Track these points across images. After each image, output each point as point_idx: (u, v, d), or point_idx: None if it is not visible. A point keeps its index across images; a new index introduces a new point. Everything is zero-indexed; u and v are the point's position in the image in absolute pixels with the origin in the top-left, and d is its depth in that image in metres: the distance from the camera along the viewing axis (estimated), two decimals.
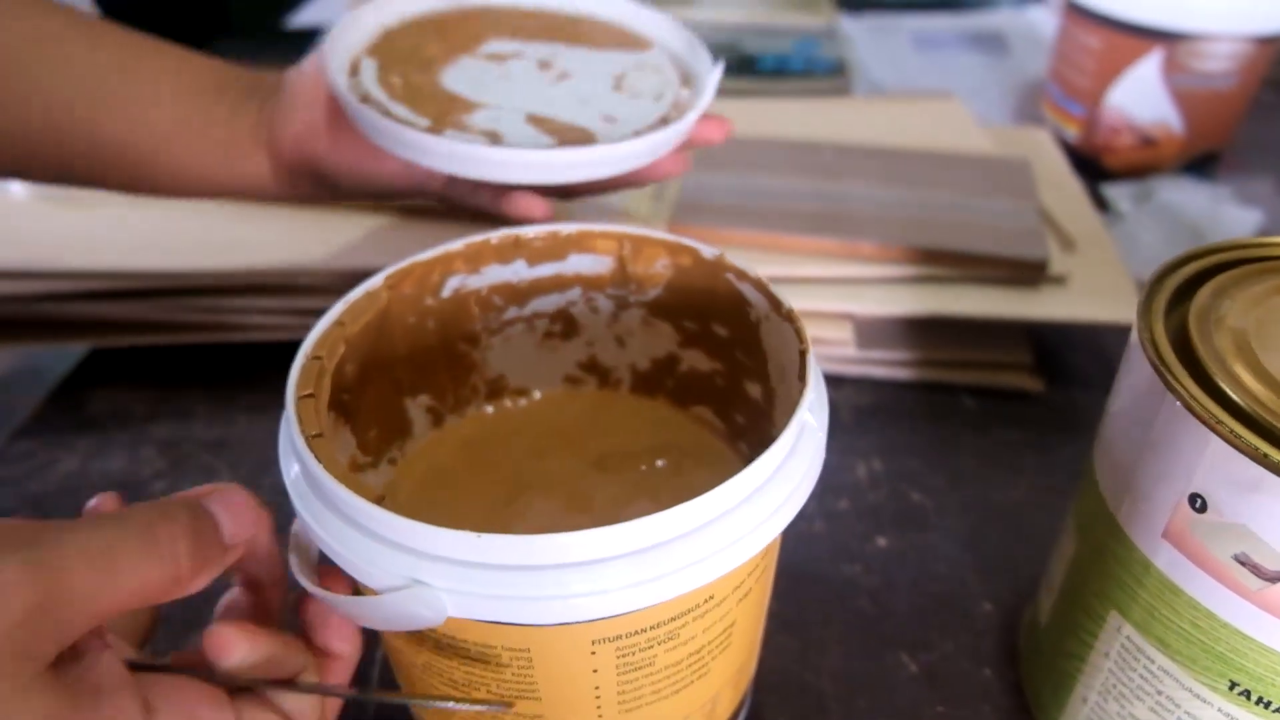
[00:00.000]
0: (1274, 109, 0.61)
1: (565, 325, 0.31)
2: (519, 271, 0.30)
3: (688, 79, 0.38)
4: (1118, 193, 0.53)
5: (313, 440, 0.22)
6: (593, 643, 0.21)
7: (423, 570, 0.20)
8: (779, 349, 0.27)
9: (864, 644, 0.32)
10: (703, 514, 0.20)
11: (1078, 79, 0.55)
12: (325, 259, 0.42)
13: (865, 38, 0.71)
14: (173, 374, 0.44)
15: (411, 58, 0.37)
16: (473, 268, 0.29)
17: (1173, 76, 0.51)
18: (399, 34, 0.38)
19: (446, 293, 0.28)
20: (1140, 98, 0.52)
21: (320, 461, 0.21)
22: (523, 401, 0.32)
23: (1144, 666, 0.25)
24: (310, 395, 0.23)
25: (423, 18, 0.39)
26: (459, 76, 0.37)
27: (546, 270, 0.30)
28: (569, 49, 0.38)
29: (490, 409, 0.32)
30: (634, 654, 0.22)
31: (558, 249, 0.30)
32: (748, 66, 0.63)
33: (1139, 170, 0.55)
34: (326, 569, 0.22)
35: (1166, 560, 0.23)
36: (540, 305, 0.30)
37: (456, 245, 0.28)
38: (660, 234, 0.29)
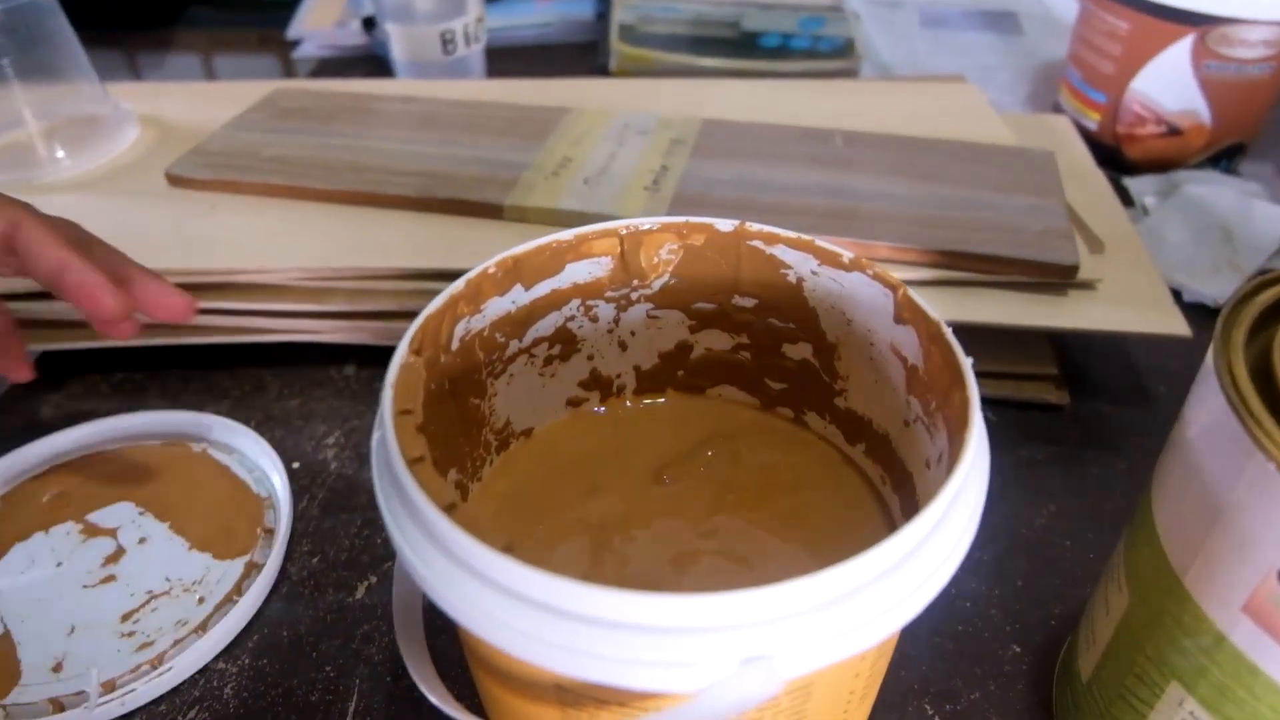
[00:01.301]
0: None
1: (564, 344, 0.29)
2: (516, 299, 0.27)
3: None
4: (1141, 186, 0.50)
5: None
6: (863, 659, 0.21)
7: (751, 641, 0.17)
8: (836, 302, 0.27)
9: (882, 693, 0.30)
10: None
11: (1101, 64, 0.52)
12: (292, 257, 0.39)
13: (872, 15, 0.67)
14: (130, 378, 0.41)
15: None
16: (475, 307, 0.26)
17: (1203, 63, 0.48)
18: None
19: (455, 344, 0.26)
20: (1168, 85, 0.49)
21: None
22: (530, 440, 0.30)
23: None
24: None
25: None
26: None
27: (543, 289, 0.27)
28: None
29: (500, 459, 0.29)
30: (881, 659, 0.23)
31: (555, 261, 0.27)
32: (750, 45, 0.59)
33: (1161, 163, 0.52)
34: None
35: (1245, 636, 0.20)
36: (538, 330, 0.28)
37: (459, 286, 0.25)
38: (664, 219, 0.27)
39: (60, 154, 0.44)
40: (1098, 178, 0.46)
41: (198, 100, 0.51)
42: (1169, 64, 0.48)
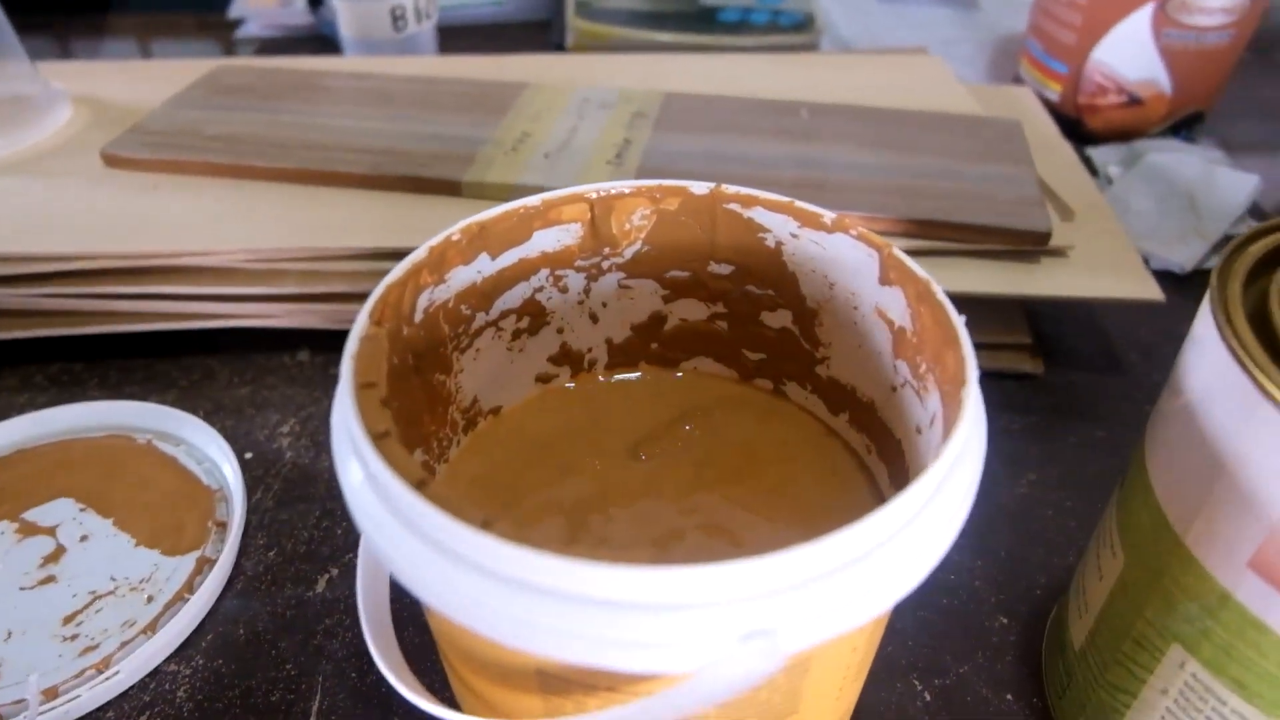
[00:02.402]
0: (1253, 68, 0.59)
1: (533, 317, 0.27)
2: (482, 269, 0.25)
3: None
4: (1104, 156, 0.50)
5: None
6: (860, 631, 0.20)
7: (750, 615, 0.16)
8: (818, 266, 0.26)
9: (871, 671, 0.29)
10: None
11: (1061, 34, 0.51)
12: (239, 238, 0.37)
13: None
14: (68, 369, 0.39)
15: None
16: (439, 277, 0.24)
17: (1163, 32, 0.48)
18: None
19: (419, 315, 0.24)
20: (1128, 55, 0.49)
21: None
22: (499, 419, 0.28)
23: (1213, 710, 0.22)
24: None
25: None
26: None
27: (510, 259, 0.26)
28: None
29: (468, 439, 0.27)
30: (876, 631, 0.22)
31: (522, 228, 0.26)
32: (708, 19, 0.58)
33: (1122, 133, 0.52)
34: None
35: (1251, 592, 0.20)
36: (506, 302, 0.26)
37: (421, 254, 0.24)
38: (637, 182, 0.26)
39: None
40: (1063, 147, 0.45)
41: (134, 80, 0.48)
42: (1129, 33, 0.48)
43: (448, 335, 0.26)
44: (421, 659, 0.28)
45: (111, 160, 0.41)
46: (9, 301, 0.36)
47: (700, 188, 0.26)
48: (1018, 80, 0.57)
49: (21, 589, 0.30)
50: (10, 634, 0.28)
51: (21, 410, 0.35)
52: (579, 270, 0.27)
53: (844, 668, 0.21)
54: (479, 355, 0.27)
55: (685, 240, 0.27)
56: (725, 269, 0.28)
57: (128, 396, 0.37)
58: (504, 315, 0.27)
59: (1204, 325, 0.21)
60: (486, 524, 0.17)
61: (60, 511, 0.32)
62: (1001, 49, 0.62)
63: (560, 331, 0.28)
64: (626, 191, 0.26)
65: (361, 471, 0.19)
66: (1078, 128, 0.53)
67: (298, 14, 0.63)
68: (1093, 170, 0.50)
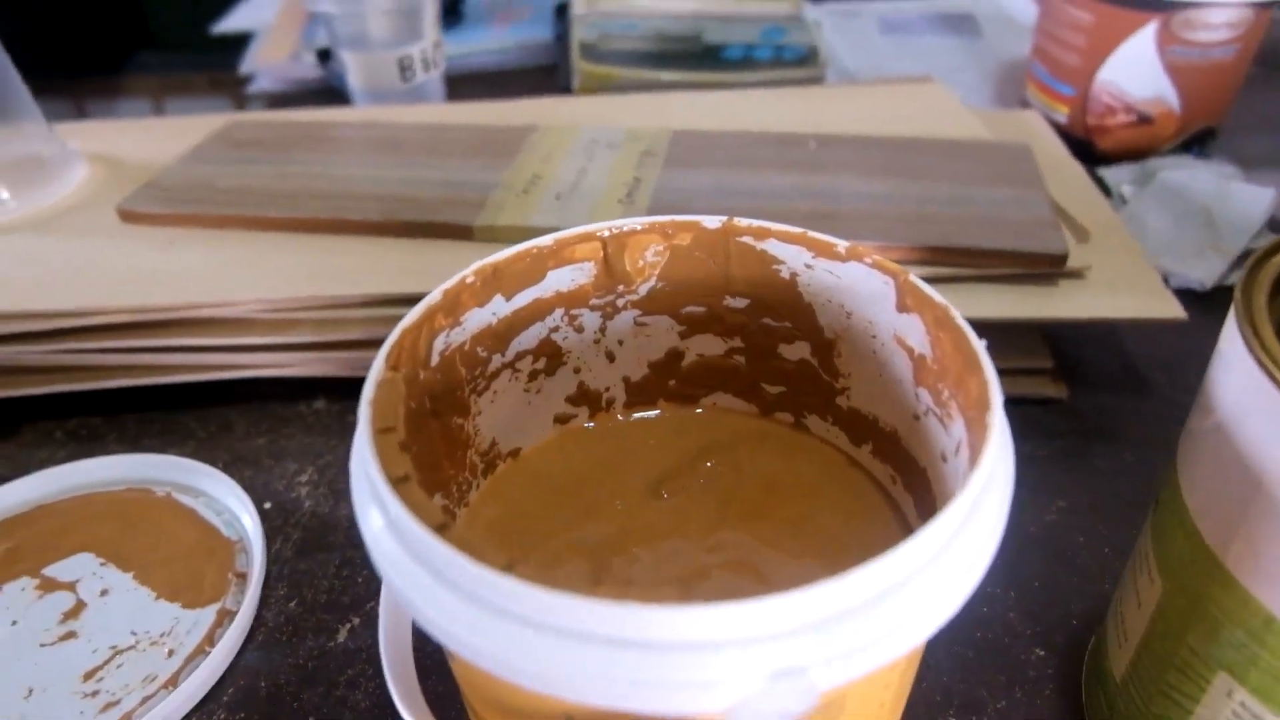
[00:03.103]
0: (1263, 82, 0.58)
1: (549, 358, 0.27)
2: (497, 310, 0.25)
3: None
4: (1117, 176, 0.50)
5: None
6: (893, 666, 0.20)
7: (782, 652, 0.16)
8: (833, 295, 0.25)
9: (906, 707, 0.28)
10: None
11: (1066, 57, 0.51)
12: (253, 289, 0.37)
13: (831, 23, 0.67)
14: (87, 423, 0.39)
15: None
16: (454, 319, 0.24)
17: (1168, 49, 0.48)
18: None
19: (435, 358, 0.24)
20: (1135, 74, 0.49)
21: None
22: (518, 461, 0.28)
23: None
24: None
25: None
26: None
27: (524, 299, 0.26)
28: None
29: (487, 483, 0.27)
30: (910, 666, 0.22)
31: (536, 268, 0.26)
32: (712, 57, 0.59)
33: (1134, 152, 0.52)
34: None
35: None
36: (522, 343, 0.26)
37: (435, 297, 0.24)
38: (649, 218, 0.26)
39: (4, 195, 0.42)
40: (1074, 168, 0.45)
41: (147, 137, 0.49)
42: (1134, 52, 0.48)
43: (464, 378, 0.26)
44: (446, 707, 0.28)
45: (127, 216, 0.41)
46: (27, 358, 0.37)
47: (712, 222, 0.26)
48: (1024, 105, 0.57)
49: (42, 645, 0.29)
50: (31, 691, 0.28)
51: (41, 466, 0.35)
52: (594, 309, 0.27)
53: (878, 705, 0.21)
54: (496, 397, 0.27)
55: (699, 275, 0.27)
56: (741, 303, 0.27)
57: (146, 449, 0.37)
58: (520, 356, 0.27)
59: (1230, 341, 0.20)
60: (509, 566, 0.17)
61: (80, 566, 0.32)
62: (1006, 75, 0.62)
63: (577, 371, 0.28)
64: (638, 228, 0.26)
65: (382, 517, 0.19)
66: (1088, 149, 0.52)
67: (307, 68, 0.64)
68: (1105, 191, 0.50)
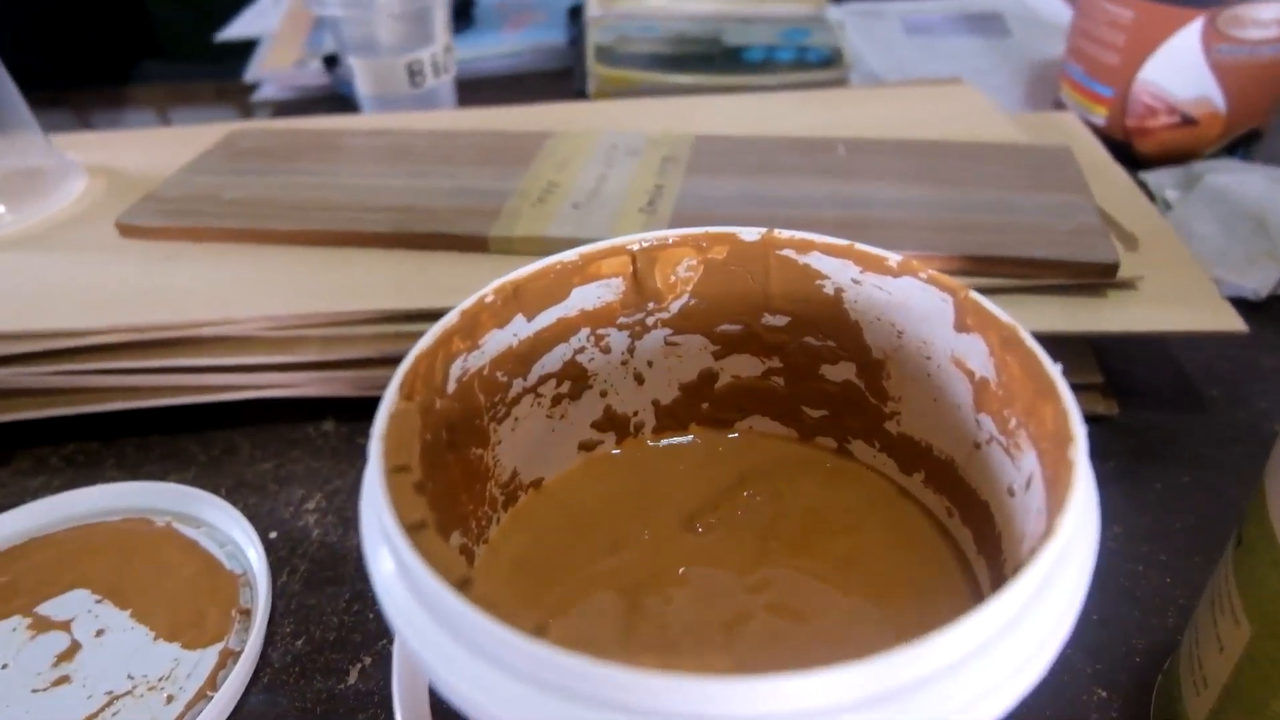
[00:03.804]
0: None
1: (574, 381, 0.25)
2: (518, 331, 0.23)
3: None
4: (1160, 180, 0.48)
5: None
6: None
7: None
8: (883, 313, 0.23)
9: None
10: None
11: (1105, 56, 0.49)
12: (258, 306, 0.35)
13: (855, 25, 0.65)
14: (84, 448, 0.37)
15: None
16: (472, 343, 0.23)
17: (1214, 47, 0.46)
18: None
19: (452, 385, 0.22)
20: (1178, 73, 0.47)
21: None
22: (540, 492, 0.26)
23: None
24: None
25: None
26: None
27: (548, 319, 0.24)
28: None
29: (508, 516, 0.25)
30: None
31: (560, 286, 0.24)
32: (733, 59, 0.57)
33: (1176, 154, 0.50)
34: None
35: None
36: (545, 366, 0.24)
37: (452, 318, 0.22)
38: (681, 230, 0.24)
39: (1, 209, 0.40)
40: (1116, 172, 0.43)
41: (149, 148, 0.47)
42: (1178, 50, 0.46)
43: (484, 405, 0.24)
44: None
45: (126, 230, 0.39)
46: (22, 380, 0.35)
47: (750, 234, 0.24)
48: (1058, 107, 0.55)
49: (34, 691, 0.28)
50: None
51: (36, 494, 0.34)
52: (622, 328, 0.25)
53: None
54: (517, 425, 0.25)
55: (736, 291, 0.25)
56: (780, 320, 0.25)
57: (146, 475, 0.35)
58: (543, 380, 0.25)
59: None
60: (540, 629, 0.15)
61: (75, 604, 0.30)
62: (1037, 76, 0.60)
63: (604, 395, 0.26)
64: (670, 241, 0.24)
65: (393, 560, 0.17)
66: (1127, 152, 0.50)
67: (314, 74, 0.63)
68: (1149, 195, 0.47)
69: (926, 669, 0.14)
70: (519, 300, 0.23)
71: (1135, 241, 0.38)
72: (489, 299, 0.23)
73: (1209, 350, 0.40)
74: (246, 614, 0.30)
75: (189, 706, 0.27)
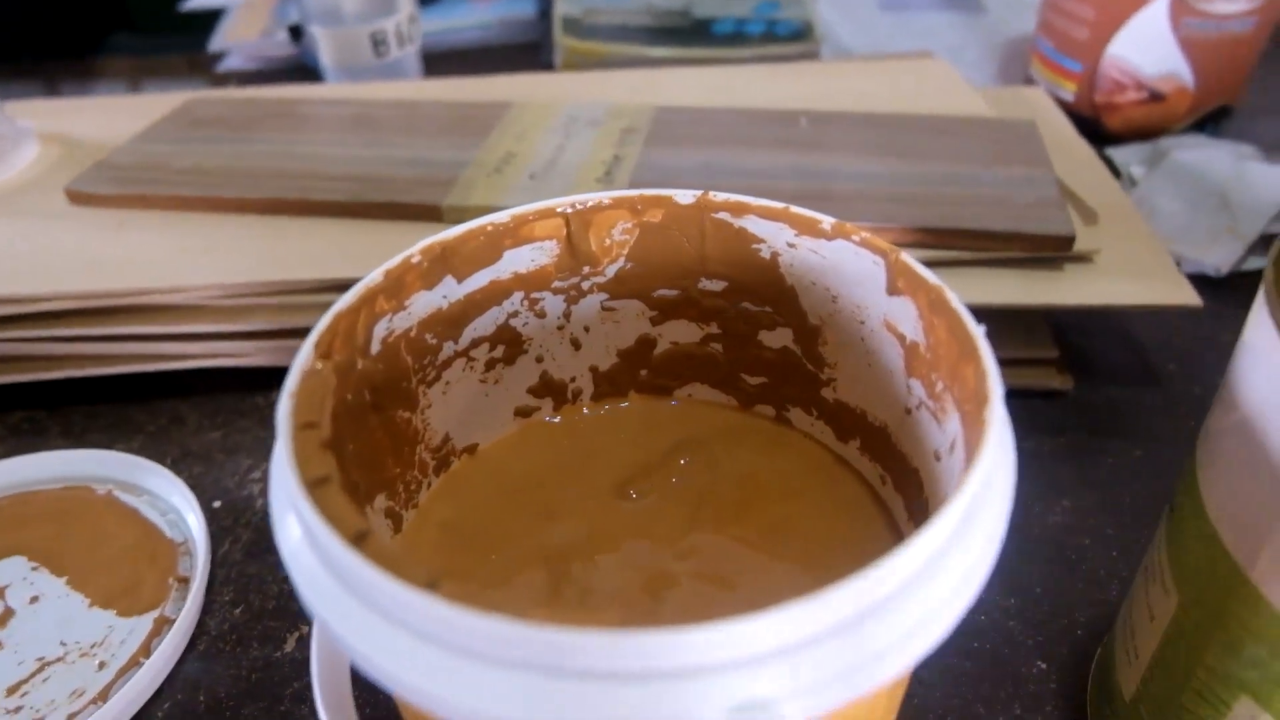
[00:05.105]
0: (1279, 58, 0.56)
1: (509, 346, 0.25)
2: (448, 294, 0.23)
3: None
4: (1125, 156, 0.47)
5: None
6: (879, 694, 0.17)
7: (749, 680, 0.13)
8: (818, 277, 0.23)
9: None
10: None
11: (1074, 30, 0.49)
12: (209, 274, 0.35)
13: (828, 1, 0.65)
14: (31, 417, 0.37)
15: None
16: (398, 303, 0.22)
17: (1182, 21, 0.46)
18: None
19: (376, 346, 0.22)
20: (1146, 48, 0.47)
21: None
22: (474, 458, 0.26)
23: None
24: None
25: None
26: None
27: (479, 281, 0.23)
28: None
29: (439, 481, 0.25)
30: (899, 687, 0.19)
31: (490, 248, 0.24)
32: (702, 32, 0.56)
33: (1144, 131, 0.49)
34: None
35: None
36: (477, 330, 0.24)
37: (376, 278, 0.22)
38: (615, 192, 0.24)
39: None
40: (1081, 147, 0.43)
41: (107, 116, 0.46)
42: (1146, 25, 0.46)
43: (411, 367, 0.23)
44: None
45: (76, 197, 0.39)
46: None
47: (685, 196, 0.24)
48: (1029, 81, 0.55)
49: None
50: None
51: None
52: (557, 292, 0.25)
53: None
54: (449, 389, 0.24)
55: (672, 255, 0.25)
56: (717, 285, 0.25)
57: (92, 445, 0.35)
58: (475, 344, 0.24)
59: (1259, 330, 0.18)
60: (433, 583, 0.15)
61: (10, 571, 0.30)
62: (1011, 52, 0.60)
63: (539, 360, 0.26)
64: (605, 203, 0.24)
65: (300, 528, 0.17)
66: (1096, 128, 0.50)
67: (280, 45, 0.62)
68: (1114, 172, 0.47)
69: (836, 619, 0.14)
70: (447, 262, 0.23)
71: (1095, 216, 0.38)
72: (415, 259, 0.22)
73: (1168, 326, 0.39)
74: (185, 582, 0.29)
75: (120, 673, 0.27)
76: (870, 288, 0.22)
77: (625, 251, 0.25)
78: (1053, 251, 0.35)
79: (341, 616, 0.15)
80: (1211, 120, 0.49)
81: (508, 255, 0.24)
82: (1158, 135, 0.49)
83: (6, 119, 0.42)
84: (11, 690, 0.26)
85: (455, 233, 0.23)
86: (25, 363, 0.35)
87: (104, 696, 0.26)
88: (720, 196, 0.24)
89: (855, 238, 0.22)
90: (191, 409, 0.37)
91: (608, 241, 0.25)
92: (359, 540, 0.16)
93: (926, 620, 0.14)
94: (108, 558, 0.30)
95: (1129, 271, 0.35)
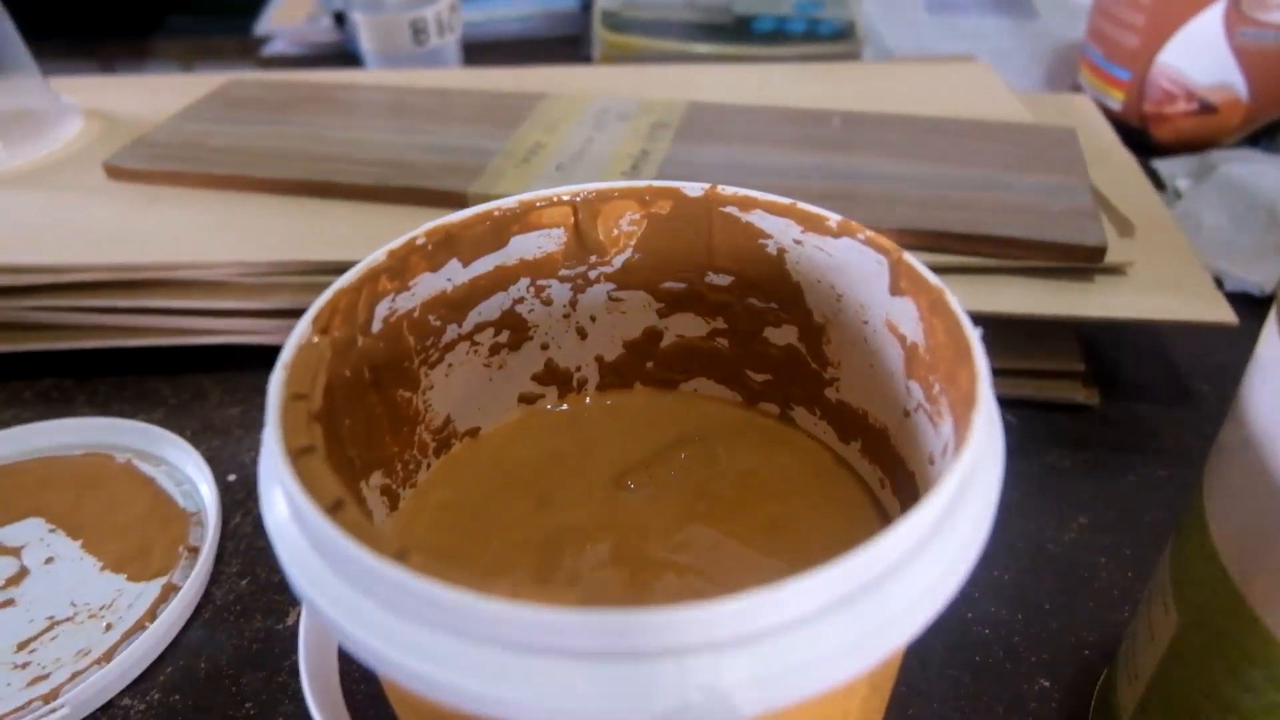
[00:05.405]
0: None
1: (514, 331, 0.25)
2: (452, 276, 0.23)
3: None
4: (1172, 168, 0.46)
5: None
6: (850, 694, 0.17)
7: (700, 669, 0.13)
8: (823, 275, 0.23)
9: None
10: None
11: (1124, 38, 0.48)
12: (235, 251, 0.35)
13: (874, 1, 0.64)
14: (59, 385, 0.38)
15: None
16: (401, 284, 0.22)
17: (1237, 30, 0.44)
18: None
19: (377, 325, 0.22)
20: (1199, 57, 0.45)
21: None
22: (476, 442, 0.26)
23: None
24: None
25: None
26: None
27: (485, 265, 0.23)
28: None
29: (439, 463, 0.25)
30: (879, 671, 0.18)
31: (497, 233, 0.24)
32: (742, 29, 0.56)
33: (1194, 143, 0.48)
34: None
35: None
36: (482, 314, 0.24)
37: (379, 256, 0.22)
38: (623, 183, 0.24)
39: None
40: (1124, 157, 0.41)
41: (150, 95, 0.47)
42: (1199, 33, 0.44)
43: (413, 348, 0.23)
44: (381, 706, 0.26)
45: (114, 172, 0.40)
46: (0, 314, 0.35)
47: (694, 189, 0.24)
48: (1077, 89, 0.53)
49: None
50: None
51: (6, 427, 0.34)
52: (563, 280, 0.25)
53: None
54: (452, 371, 0.24)
55: (680, 248, 0.25)
56: (724, 280, 0.25)
57: (116, 414, 0.35)
58: (480, 328, 0.24)
59: (1270, 346, 0.17)
60: (402, 554, 0.15)
61: (28, 532, 0.30)
62: (1059, 59, 0.58)
63: (545, 348, 0.26)
64: (613, 193, 0.24)
65: (285, 503, 0.17)
66: (1143, 138, 0.49)
67: (324, 30, 0.63)
68: (1159, 184, 0.46)
69: (798, 610, 0.14)
70: (452, 245, 0.23)
71: (1131, 228, 0.37)
72: (420, 241, 0.23)
73: (1204, 345, 0.38)
74: (194, 551, 0.30)
75: (126, 636, 0.27)
76: (873, 287, 0.22)
77: (633, 242, 0.25)
78: (1082, 262, 0.34)
79: (321, 589, 0.15)
80: (1265, 134, 0.48)
81: (515, 241, 0.24)
82: (1207, 148, 0.48)
83: (51, 94, 0.44)
84: (21, 646, 0.27)
85: (461, 216, 0.23)
86: (56, 331, 0.36)
87: (108, 657, 0.27)
88: (728, 190, 0.23)
89: (860, 236, 0.22)
90: (214, 384, 0.37)
91: (615, 231, 0.25)
92: (334, 509, 0.16)
93: (885, 626, 0.14)
94: (122, 523, 0.31)
95: (1163, 286, 0.34)
